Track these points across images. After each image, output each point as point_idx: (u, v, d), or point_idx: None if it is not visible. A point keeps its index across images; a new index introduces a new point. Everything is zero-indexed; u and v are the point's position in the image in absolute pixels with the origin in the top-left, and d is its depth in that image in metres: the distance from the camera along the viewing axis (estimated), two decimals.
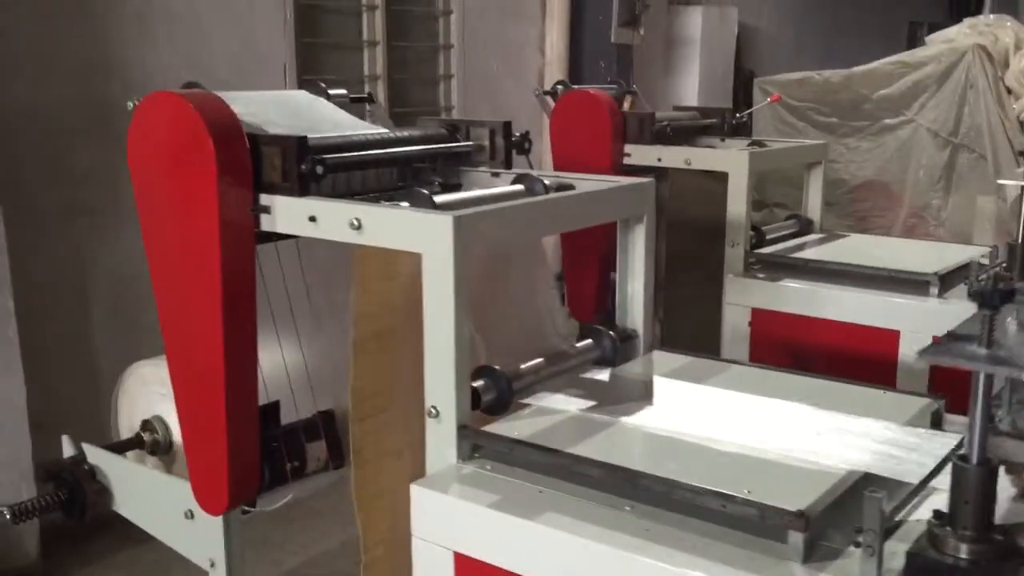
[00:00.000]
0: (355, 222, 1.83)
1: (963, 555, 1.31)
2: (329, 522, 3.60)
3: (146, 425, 2.49)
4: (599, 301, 3.52)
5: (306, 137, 1.94)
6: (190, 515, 2.25)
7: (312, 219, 1.90)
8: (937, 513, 1.36)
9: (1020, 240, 2.43)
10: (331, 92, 2.53)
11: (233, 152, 1.89)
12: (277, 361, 2.28)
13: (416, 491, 1.71)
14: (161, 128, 1.94)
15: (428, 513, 1.71)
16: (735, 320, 3.32)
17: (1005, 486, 1.48)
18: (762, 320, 3.28)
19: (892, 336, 3.01)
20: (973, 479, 1.31)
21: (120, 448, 2.47)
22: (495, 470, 1.75)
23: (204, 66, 3.77)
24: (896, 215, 5.18)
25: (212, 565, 2.26)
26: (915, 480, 1.52)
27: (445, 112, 5.01)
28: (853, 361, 2.98)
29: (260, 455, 2.14)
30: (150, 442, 2.47)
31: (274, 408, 2.23)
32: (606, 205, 2.16)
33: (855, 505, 1.49)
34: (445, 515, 1.69)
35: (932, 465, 1.56)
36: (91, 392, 3.60)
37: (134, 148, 2.01)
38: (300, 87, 3.64)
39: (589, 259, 3.48)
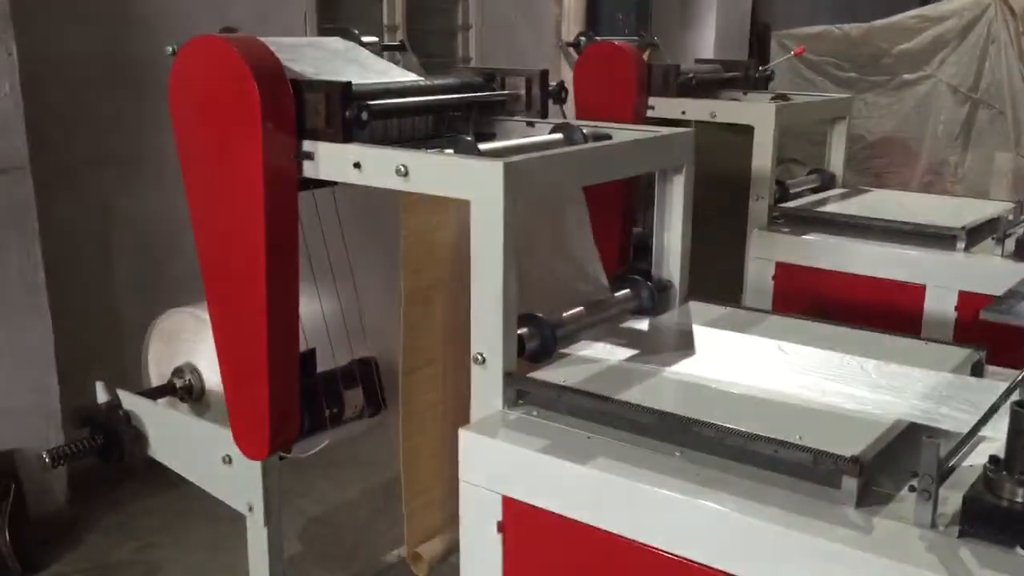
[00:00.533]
0: (402, 168, 1.82)
1: (1020, 499, 1.33)
2: (349, 472, 3.64)
3: (177, 372, 2.51)
4: (621, 256, 3.53)
5: (351, 83, 1.93)
6: (228, 460, 2.27)
7: (357, 165, 1.90)
8: (993, 458, 1.38)
9: None
10: (364, 40, 2.51)
11: (277, 97, 1.88)
12: (315, 309, 2.28)
13: (464, 436, 1.73)
14: (204, 73, 1.92)
15: (476, 458, 1.72)
16: (759, 274, 3.33)
17: None
18: (786, 274, 3.29)
19: (918, 290, 3.01)
20: None
21: (152, 395, 2.49)
22: (541, 416, 1.77)
23: (225, 14, 3.72)
24: (913, 171, 5.16)
25: (250, 509, 2.29)
26: (966, 428, 1.53)
27: (463, 63, 4.97)
28: (877, 315, 2.99)
29: (299, 401, 2.16)
30: (182, 389, 2.49)
31: (311, 356, 2.24)
32: (648, 155, 2.16)
33: (906, 452, 1.52)
34: (494, 459, 1.71)
35: (981, 413, 1.58)
36: (115, 341, 3.63)
37: (176, 93, 1.99)
38: (321, 35, 3.62)
39: (611, 215, 3.47)
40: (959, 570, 1.28)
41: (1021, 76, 4.79)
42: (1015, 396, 1.39)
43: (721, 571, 1.46)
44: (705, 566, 1.47)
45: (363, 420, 2.35)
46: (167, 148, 3.67)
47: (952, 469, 1.46)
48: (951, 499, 1.40)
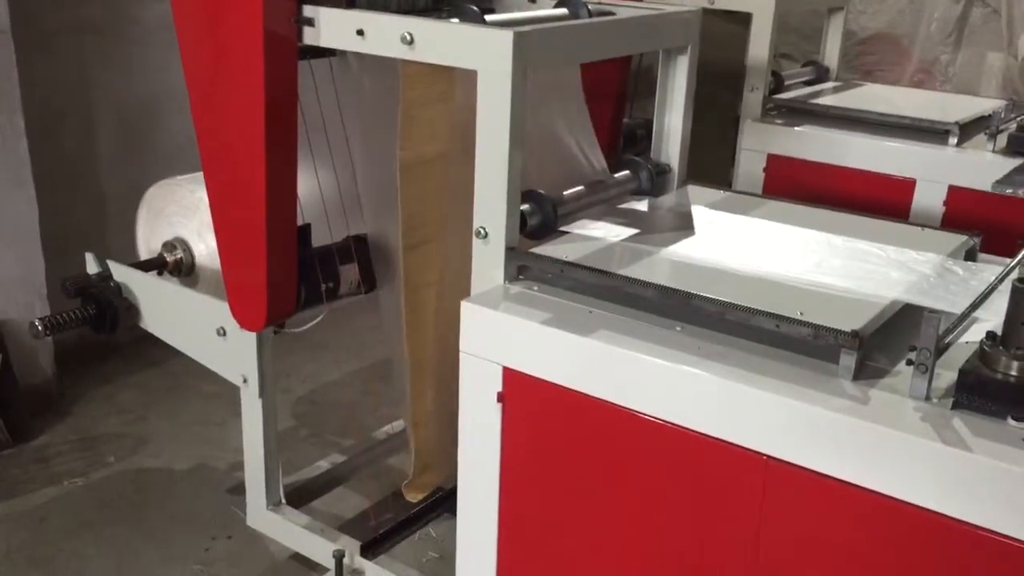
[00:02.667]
0: (407, 36, 1.78)
1: (1014, 372, 1.37)
2: (335, 354, 3.67)
3: (167, 247, 2.49)
4: (613, 143, 3.51)
5: None
6: (222, 332, 2.29)
7: (360, 32, 1.85)
8: (990, 334, 1.41)
9: None
10: None
11: None
12: (312, 184, 2.26)
13: (466, 307, 1.74)
14: None
15: (478, 329, 1.74)
16: (750, 165, 3.32)
17: None
18: (777, 166, 3.28)
19: (908, 184, 3.03)
20: None
21: (144, 267, 2.48)
22: (542, 291, 1.78)
23: None
24: (904, 70, 5.11)
25: (244, 381, 2.32)
26: (961, 309, 1.56)
27: None
28: (865, 209, 3.01)
29: (296, 274, 2.16)
30: (172, 263, 2.49)
31: (307, 230, 2.23)
32: (654, 32, 2.12)
33: (903, 330, 1.55)
34: (495, 331, 1.73)
35: (977, 295, 1.61)
36: (98, 214, 3.59)
37: None
38: None
39: (604, 100, 3.44)
40: (951, 437, 1.32)
41: None
42: (1015, 275, 1.42)
43: (720, 439, 1.50)
44: (705, 435, 1.51)
45: (357, 296, 2.36)
46: (145, 17, 3.59)
47: (947, 346, 1.50)
48: (944, 376, 1.44)
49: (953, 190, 2.92)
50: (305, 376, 3.68)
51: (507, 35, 1.67)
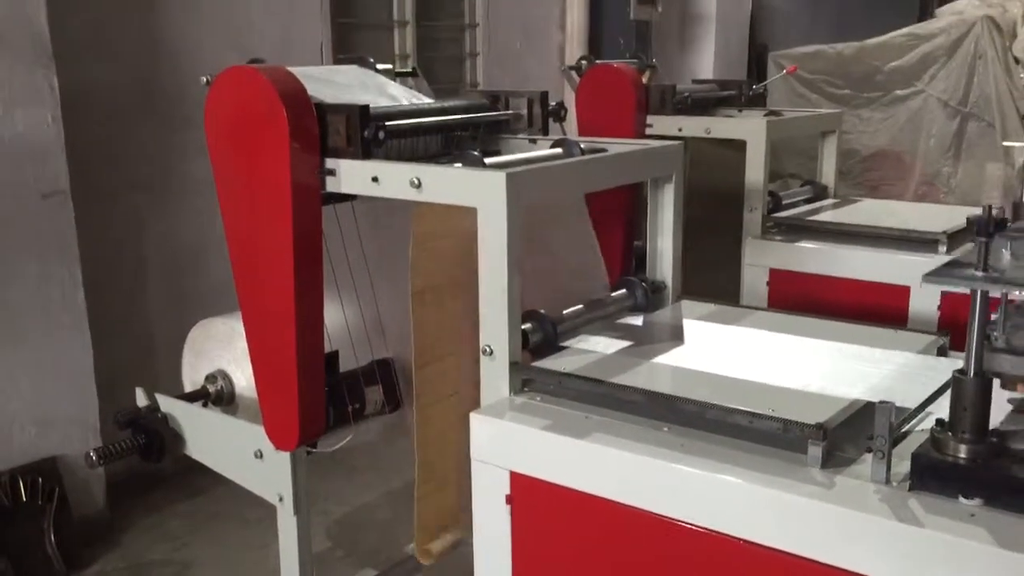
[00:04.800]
0: (415, 180, 2.03)
1: (961, 455, 1.51)
2: (371, 476, 3.84)
3: (210, 379, 2.71)
4: (624, 265, 3.73)
5: (368, 105, 2.14)
6: (259, 455, 2.47)
7: (375, 179, 2.11)
8: (939, 421, 1.56)
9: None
10: (378, 67, 2.73)
11: (303, 120, 2.10)
12: (338, 314, 2.49)
13: (475, 419, 1.92)
14: (237, 99, 2.14)
15: (486, 438, 1.92)
16: (753, 280, 3.52)
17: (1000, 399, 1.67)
18: (779, 280, 3.47)
19: (903, 292, 3.19)
20: (971, 388, 1.51)
21: (188, 399, 2.69)
22: (544, 400, 1.97)
23: (247, 48, 3.97)
24: (907, 183, 5.35)
25: (280, 500, 2.48)
26: (920, 399, 1.72)
27: (471, 88, 5.20)
28: (866, 316, 3.17)
29: (325, 397, 2.36)
30: (214, 393, 2.70)
31: (334, 357, 2.44)
32: (639, 165, 2.36)
33: (867, 422, 1.70)
34: (502, 438, 1.90)
35: (935, 387, 1.76)
36: (147, 355, 3.85)
37: (211, 119, 2.21)
38: (340, 64, 3.85)
39: (614, 226, 3.67)
40: (907, 516, 1.46)
41: (1008, 89, 4.98)
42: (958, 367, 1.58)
43: (703, 528, 1.65)
44: (689, 524, 1.66)
45: (383, 416, 2.55)
46: (192, 174, 3.95)
47: (906, 434, 1.65)
48: (906, 459, 1.58)
49: (947, 295, 3.08)
50: (343, 498, 3.84)
51: (501, 176, 1.91)
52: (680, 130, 3.79)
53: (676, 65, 6.22)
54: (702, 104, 4.08)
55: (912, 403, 1.72)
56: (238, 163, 2.20)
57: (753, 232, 3.56)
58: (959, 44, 5.13)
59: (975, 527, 1.42)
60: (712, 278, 4.05)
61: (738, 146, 3.70)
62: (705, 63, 6.34)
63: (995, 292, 1.52)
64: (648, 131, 3.83)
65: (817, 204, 3.91)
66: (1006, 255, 1.59)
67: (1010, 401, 1.69)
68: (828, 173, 4.04)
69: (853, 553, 1.49)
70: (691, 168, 4.22)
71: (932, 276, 1.55)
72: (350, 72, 2.55)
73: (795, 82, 5.43)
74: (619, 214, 3.70)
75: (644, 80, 4.46)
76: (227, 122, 2.18)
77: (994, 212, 1.46)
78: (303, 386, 2.27)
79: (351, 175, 2.15)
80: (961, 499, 1.49)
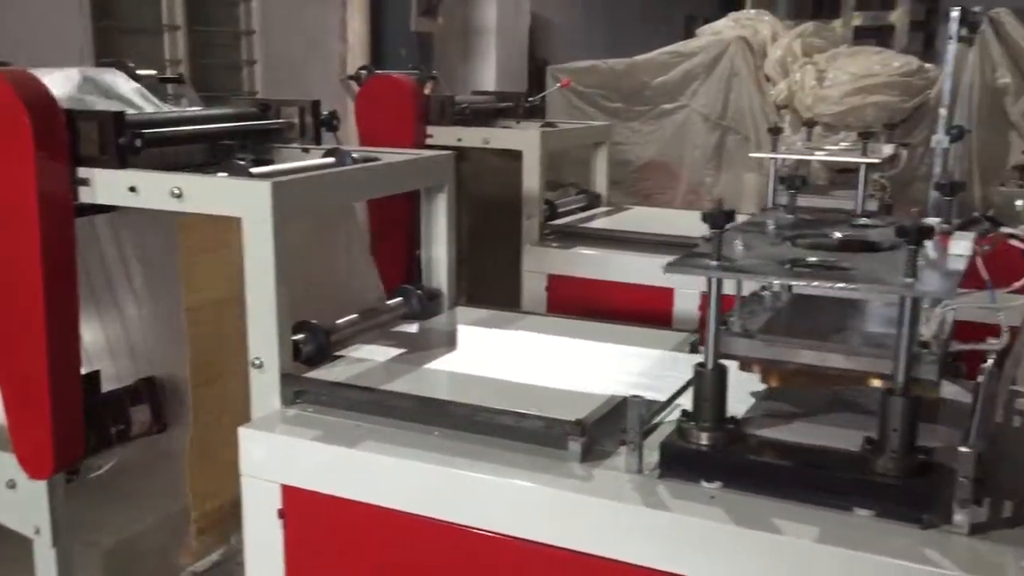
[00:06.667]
0: (176, 190, 1.96)
1: (704, 442, 1.63)
2: (145, 502, 3.63)
3: None
4: (407, 273, 3.75)
5: (123, 112, 2.05)
6: (12, 485, 2.30)
7: (133, 189, 2.02)
8: (684, 412, 1.68)
9: (771, 203, 2.86)
10: (140, 72, 2.62)
11: (50, 126, 1.98)
12: (98, 332, 2.36)
13: (244, 433, 1.88)
14: None
15: (256, 452, 1.88)
16: (533, 286, 3.63)
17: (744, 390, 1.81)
18: (557, 285, 3.61)
19: (668, 293, 3.40)
20: (709, 380, 1.64)
21: None
22: (316, 411, 1.95)
23: None
24: (676, 192, 5.69)
25: (37, 532, 2.32)
26: (671, 392, 1.84)
27: (249, 96, 5.07)
28: (636, 317, 3.35)
29: (83, 419, 2.22)
30: None
31: (95, 377, 2.32)
32: (409, 174, 2.39)
33: (622, 417, 1.80)
34: (272, 452, 1.87)
35: (684, 380, 1.89)
36: None
37: None
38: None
39: (396, 235, 3.69)
40: (655, 502, 1.56)
41: (760, 105, 5.41)
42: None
43: (474, 528, 1.69)
44: (461, 525, 1.70)
45: (151, 436, 2.44)
46: None
47: (656, 426, 1.76)
48: (658, 451, 1.69)
49: (705, 295, 3.30)
50: (113, 528, 3.61)
51: (266, 186, 1.88)
52: (459, 140, 3.86)
53: (459, 77, 6.33)
54: (482, 115, 4.18)
55: (664, 396, 1.83)
56: None
57: (531, 239, 3.68)
58: (716, 62, 5.53)
59: (715, 508, 1.53)
60: (497, 285, 4.16)
61: (516, 156, 3.81)
62: (488, 75, 6.48)
63: (728, 279, 1.65)
64: (429, 141, 3.89)
65: (591, 212, 4.09)
66: (739, 246, 1.74)
67: (752, 394, 1.84)
68: (600, 182, 4.24)
69: (611, 541, 1.57)
70: (473, 178, 4.32)
71: (672, 266, 1.67)
72: (105, 76, 2.43)
73: (572, 95, 5.65)
74: (401, 223, 3.71)
75: (426, 91, 4.51)
76: None
77: (725, 209, 1.59)
78: (57, 409, 2.13)
79: (106, 185, 2.05)
80: (703, 483, 1.60)
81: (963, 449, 1.43)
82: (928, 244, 1.53)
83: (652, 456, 1.67)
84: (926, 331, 1.64)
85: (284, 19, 5.18)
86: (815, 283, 1.60)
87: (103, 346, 2.34)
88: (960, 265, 1.60)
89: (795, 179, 2.14)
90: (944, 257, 1.64)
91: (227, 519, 2.23)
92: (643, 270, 3.45)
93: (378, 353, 2.16)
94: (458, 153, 3.97)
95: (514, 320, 2.44)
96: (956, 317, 1.73)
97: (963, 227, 1.75)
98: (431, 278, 2.52)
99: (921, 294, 1.48)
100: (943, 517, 1.45)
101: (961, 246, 1.64)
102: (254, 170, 2.11)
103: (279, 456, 1.86)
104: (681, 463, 1.62)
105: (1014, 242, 1.63)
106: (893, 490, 1.48)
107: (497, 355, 2.16)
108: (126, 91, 2.42)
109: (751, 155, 4.27)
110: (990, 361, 1.64)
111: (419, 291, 2.44)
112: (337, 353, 2.14)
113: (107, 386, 2.33)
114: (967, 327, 1.76)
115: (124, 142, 2.02)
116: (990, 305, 1.59)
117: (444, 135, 3.86)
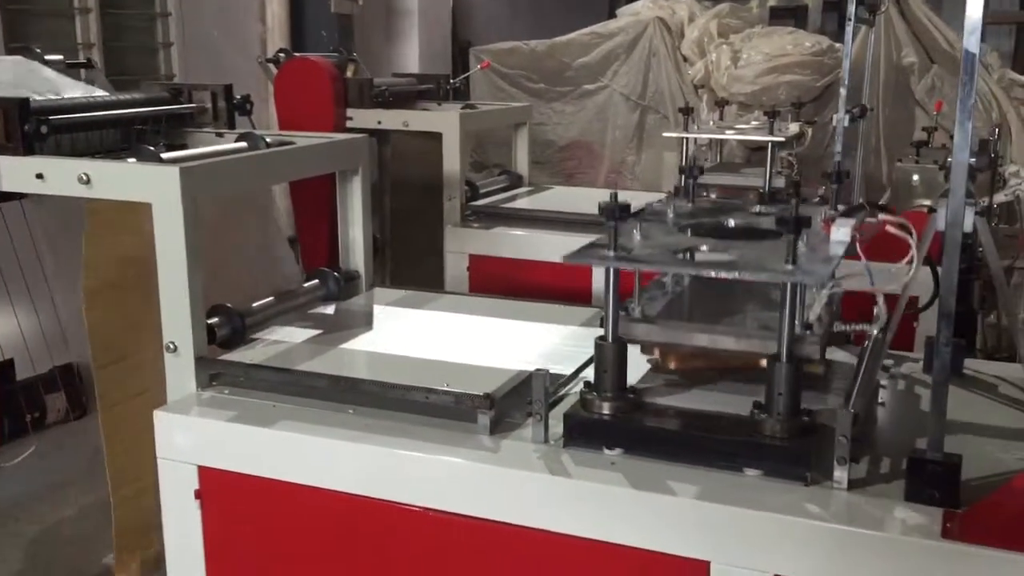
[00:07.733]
0: (84, 177, 1.96)
1: (605, 412, 1.70)
2: (68, 489, 3.60)
3: None
4: (331, 256, 3.77)
5: (28, 99, 2.04)
6: None
7: (39, 176, 2.01)
8: (587, 383, 1.75)
9: (683, 183, 2.94)
10: (47, 58, 2.59)
11: None
12: (11, 321, 2.35)
13: (159, 416, 1.90)
14: None
15: (172, 435, 1.90)
16: (455, 266, 3.68)
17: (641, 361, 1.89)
18: (479, 264, 3.66)
19: (586, 271, 3.47)
20: (609, 353, 1.71)
21: None
22: (233, 393, 1.98)
23: None
24: (599, 172, 5.77)
25: None
26: (577, 365, 1.91)
27: (166, 80, 5.00)
28: (556, 295, 3.42)
29: None
30: None
31: (8, 365, 2.31)
32: (323, 158, 2.41)
33: (529, 390, 1.87)
34: (188, 434, 1.90)
35: (588, 355, 1.96)
36: None
37: None
38: (10, 55, 3.58)
39: (319, 218, 3.71)
40: (559, 470, 1.64)
41: (679, 84, 5.52)
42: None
43: (388, 501, 1.74)
44: (376, 499, 1.75)
45: (68, 423, 2.44)
46: None
47: (562, 398, 1.83)
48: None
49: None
50: (34, 517, 3.57)
51: (174, 171, 1.89)
52: (379, 123, 3.88)
53: (383, 59, 6.31)
54: (403, 98, 4.19)
55: (569, 370, 1.90)
56: None
57: (452, 220, 3.71)
58: (636, 43, 5.61)
59: (615, 473, 1.61)
60: (420, 267, 4.19)
61: (437, 138, 3.84)
62: (411, 57, 6.47)
63: (625, 268, 1.72)
64: (349, 124, 3.90)
65: (513, 192, 4.15)
66: (637, 236, 1.81)
67: (648, 360, 1.92)
68: (522, 163, 4.29)
69: (519, 508, 1.64)
70: (395, 161, 4.34)
71: (572, 256, 1.73)
72: (9, 63, 2.41)
73: (495, 77, 5.68)
74: (323, 205, 3.73)
75: (349, 74, 4.50)
76: None
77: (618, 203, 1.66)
78: None
79: (12, 172, 2.04)
80: (605, 450, 1.68)
81: (842, 411, 1.53)
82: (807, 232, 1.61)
83: (558, 427, 1.74)
84: (815, 310, 1.73)
85: (201, 1, 5.11)
86: (704, 272, 1.68)
87: (16, 334, 2.33)
88: (839, 251, 1.70)
89: (693, 169, 2.22)
90: (826, 243, 1.74)
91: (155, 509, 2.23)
92: (562, 249, 3.48)
93: (294, 335, 2.19)
94: (379, 136, 4.04)
95: (431, 300, 2.49)
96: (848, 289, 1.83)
97: (848, 213, 1.84)
98: (349, 260, 2.55)
99: (799, 280, 1.57)
100: (825, 474, 1.55)
101: (841, 232, 1.73)
102: (164, 155, 2.12)
103: (194, 438, 1.89)
104: (584, 432, 1.70)
105: (890, 228, 1.72)
106: (779, 450, 1.57)
107: (412, 334, 2.20)
108: (49, 76, 2.40)
109: (665, 135, 4.35)
110: (875, 332, 1.75)
111: (336, 273, 2.47)
112: (253, 336, 2.16)
113: (22, 375, 2.32)
114: (864, 296, 1.85)
115: (30, 129, 2.02)
116: (869, 288, 1.69)
117: (364, 118, 3.88)
